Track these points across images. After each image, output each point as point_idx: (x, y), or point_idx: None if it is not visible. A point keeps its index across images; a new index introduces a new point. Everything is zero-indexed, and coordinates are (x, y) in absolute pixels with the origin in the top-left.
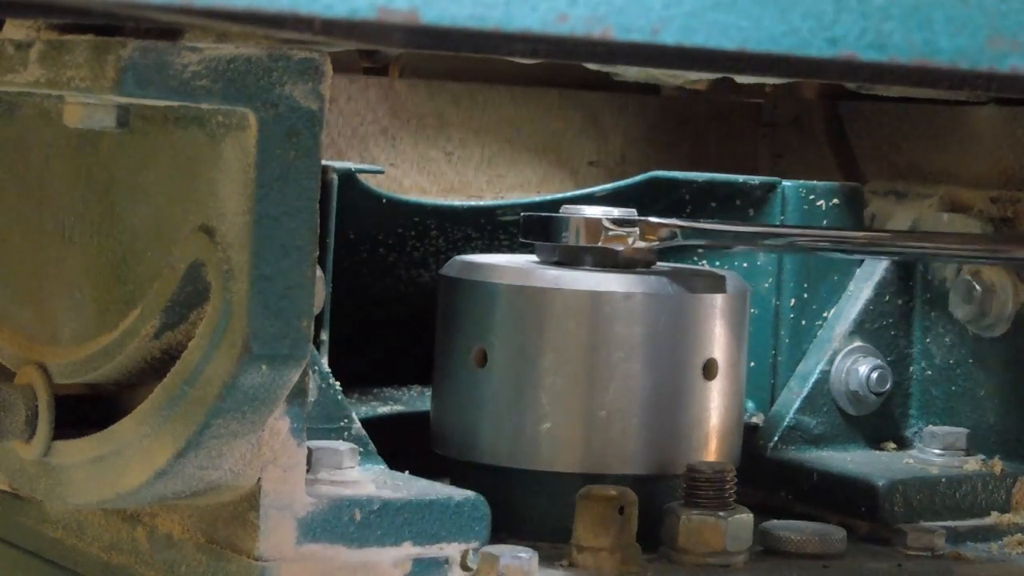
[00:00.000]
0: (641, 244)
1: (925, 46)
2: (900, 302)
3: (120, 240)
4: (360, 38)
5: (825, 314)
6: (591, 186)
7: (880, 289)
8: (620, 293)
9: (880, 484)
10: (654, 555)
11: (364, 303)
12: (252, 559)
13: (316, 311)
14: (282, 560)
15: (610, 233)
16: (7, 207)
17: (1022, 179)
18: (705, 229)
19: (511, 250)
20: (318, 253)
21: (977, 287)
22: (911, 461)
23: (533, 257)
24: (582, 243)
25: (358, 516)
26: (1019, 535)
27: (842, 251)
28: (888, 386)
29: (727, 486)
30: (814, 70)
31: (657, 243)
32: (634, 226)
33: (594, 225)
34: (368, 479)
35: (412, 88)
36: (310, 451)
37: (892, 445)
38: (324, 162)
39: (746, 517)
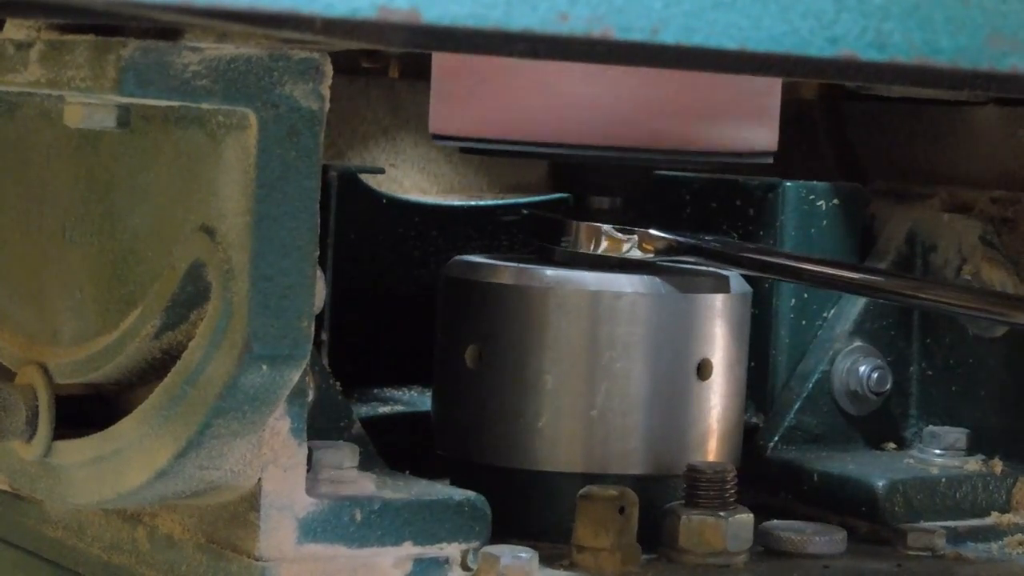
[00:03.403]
0: (636, 254)
1: (925, 46)
2: None
3: (120, 240)
4: (360, 38)
5: (825, 314)
6: None
7: None
8: (617, 293)
9: (880, 484)
10: (654, 555)
11: (364, 303)
12: (252, 559)
13: (316, 311)
14: (282, 560)
15: (606, 240)
16: (7, 207)
17: (1022, 179)
18: (703, 248)
19: (511, 250)
20: (318, 253)
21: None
22: (911, 461)
23: (533, 257)
24: (581, 249)
25: (358, 516)
26: (1019, 535)
27: (841, 289)
28: (888, 386)
29: (727, 486)
30: (814, 70)
31: (652, 255)
32: (632, 235)
33: (594, 231)
34: (368, 479)
35: (412, 88)
36: (310, 451)
37: (892, 445)
38: (324, 162)
39: (746, 517)
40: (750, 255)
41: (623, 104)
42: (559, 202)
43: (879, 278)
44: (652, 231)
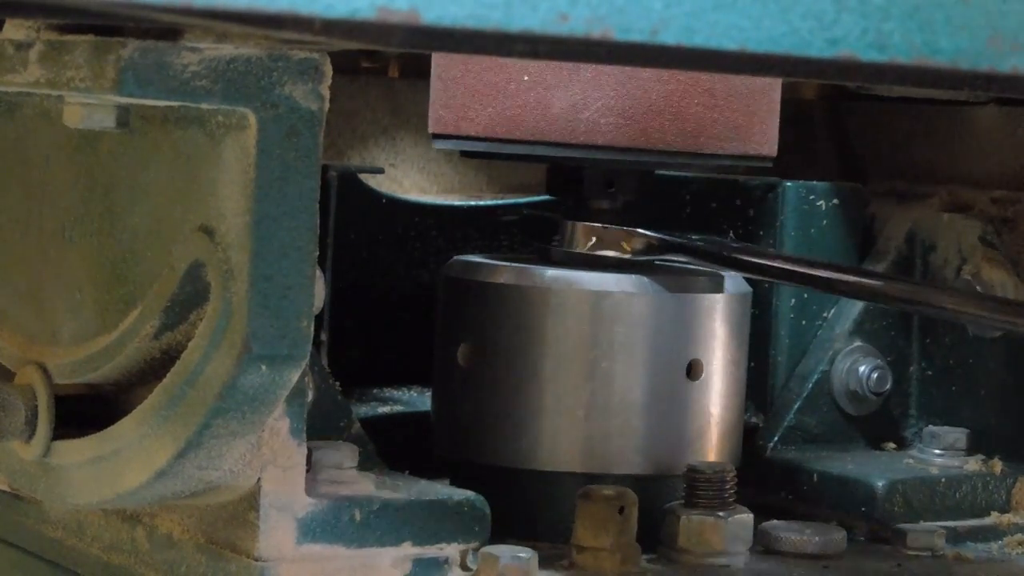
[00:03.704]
0: (609, 253)
1: (925, 46)
2: None
3: (120, 240)
4: (360, 38)
5: (825, 314)
6: None
7: None
8: (615, 293)
9: (880, 484)
10: (654, 555)
11: (364, 303)
12: (252, 559)
13: (316, 311)
14: (282, 560)
15: (600, 240)
16: (7, 207)
17: (1022, 179)
18: (686, 246)
19: (511, 250)
20: (318, 253)
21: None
22: (911, 461)
23: (532, 257)
24: (575, 248)
25: (358, 516)
26: (1019, 535)
27: (833, 291)
28: (888, 386)
29: (727, 486)
30: (814, 70)
31: (644, 255)
32: (624, 234)
33: (588, 231)
34: (368, 479)
35: (412, 88)
36: (310, 451)
37: (892, 445)
38: (324, 162)
39: (746, 517)
40: (739, 255)
41: (622, 106)
42: (558, 202)
43: (876, 282)
44: (640, 230)
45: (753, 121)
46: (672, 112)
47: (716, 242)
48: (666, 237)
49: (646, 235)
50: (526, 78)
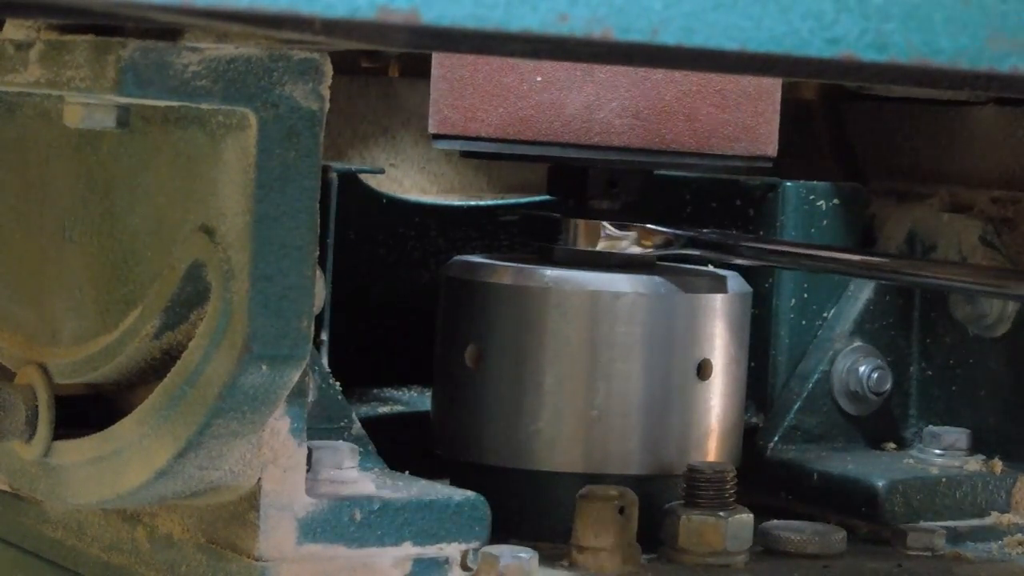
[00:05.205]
0: (635, 250)
1: (925, 46)
2: (900, 302)
3: (120, 240)
4: (360, 38)
5: (825, 314)
6: None
7: (880, 289)
8: (616, 293)
9: (880, 484)
10: (654, 555)
11: (364, 303)
12: (252, 559)
13: (316, 311)
14: (282, 560)
15: (605, 238)
16: (7, 207)
17: (1022, 179)
18: (703, 240)
19: (511, 250)
20: (318, 253)
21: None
22: (911, 461)
23: (533, 257)
24: (580, 246)
25: (358, 516)
26: (1019, 535)
27: (844, 273)
28: (888, 386)
29: (727, 486)
30: (814, 70)
31: (652, 250)
32: (630, 231)
33: (592, 228)
34: (368, 479)
35: (412, 88)
36: (310, 451)
37: (892, 445)
38: (324, 162)
39: (746, 517)
40: (747, 243)
41: (636, 107)
42: (559, 202)
43: (880, 259)
44: (649, 226)
45: (759, 121)
46: (685, 113)
47: (729, 235)
48: (665, 230)
49: (662, 231)
50: (539, 79)
